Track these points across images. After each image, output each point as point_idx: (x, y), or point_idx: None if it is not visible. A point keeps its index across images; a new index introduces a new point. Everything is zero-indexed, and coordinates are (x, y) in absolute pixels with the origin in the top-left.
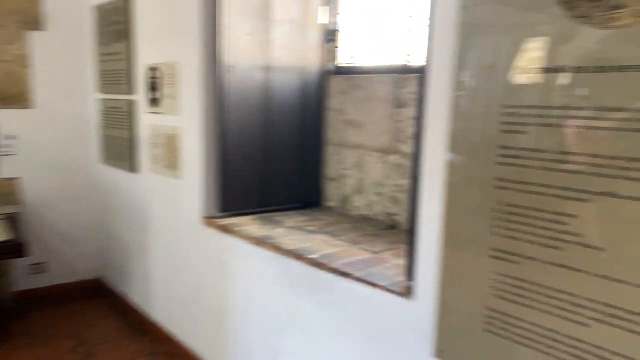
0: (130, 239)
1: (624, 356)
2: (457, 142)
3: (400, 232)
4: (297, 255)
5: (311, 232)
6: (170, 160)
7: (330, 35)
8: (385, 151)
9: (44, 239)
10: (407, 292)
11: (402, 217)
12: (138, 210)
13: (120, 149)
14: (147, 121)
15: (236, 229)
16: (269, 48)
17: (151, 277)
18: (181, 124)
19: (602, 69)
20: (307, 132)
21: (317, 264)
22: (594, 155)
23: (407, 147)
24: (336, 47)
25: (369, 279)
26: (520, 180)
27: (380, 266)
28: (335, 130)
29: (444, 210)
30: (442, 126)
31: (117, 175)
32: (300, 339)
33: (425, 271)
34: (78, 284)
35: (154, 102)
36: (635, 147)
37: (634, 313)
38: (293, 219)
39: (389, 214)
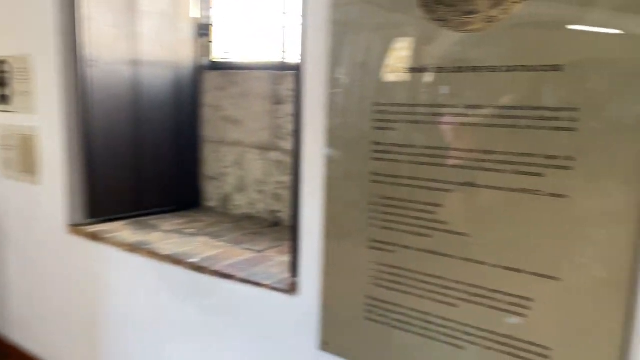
0: None
1: (486, 330)
2: (334, 138)
3: (284, 229)
4: (176, 260)
5: (190, 234)
6: (26, 164)
7: (203, 30)
8: (266, 148)
9: None
10: (291, 288)
11: (285, 214)
12: None
13: None
14: None
15: (107, 236)
16: (137, 42)
17: (7, 295)
18: (38, 123)
19: (459, 70)
20: (182, 130)
21: (198, 268)
22: (456, 149)
23: (287, 144)
24: (210, 41)
25: (253, 278)
26: (393, 174)
27: (264, 265)
28: (212, 127)
29: (325, 204)
30: (320, 123)
31: None
32: (185, 346)
33: (309, 266)
34: None
35: (3, 99)
36: (489, 141)
37: (491, 290)
38: (170, 222)
39: (272, 212)
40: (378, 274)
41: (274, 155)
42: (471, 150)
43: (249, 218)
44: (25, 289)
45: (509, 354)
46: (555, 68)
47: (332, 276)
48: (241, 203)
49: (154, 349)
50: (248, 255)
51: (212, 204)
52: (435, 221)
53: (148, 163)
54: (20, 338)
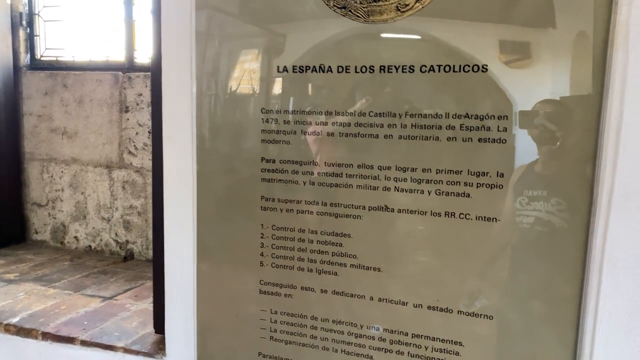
0: None
1: None
2: (206, 152)
3: (139, 263)
4: None
5: (11, 281)
6: None
7: (24, 20)
8: (111, 166)
9: None
10: (157, 349)
11: (139, 246)
12: None
13: None
14: None
15: None
16: None
17: None
18: None
19: (365, 70)
20: None
21: (21, 331)
22: (364, 166)
23: (139, 160)
24: (36, 35)
25: (102, 340)
26: (287, 199)
27: (116, 317)
28: (38, 141)
29: (198, 237)
30: (187, 134)
31: None
32: None
33: (179, 319)
34: None
35: None
36: (404, 156)
37: (414, 335)
38: None
39: (122, 243)
40: (272, 324)
41: (121, 174)
42: (383, 168)
43: (91, 253)
44: None
45: None
46: (484, 68)
47: (212, 331)
48: (81, 235)
49: None
50: (94, 304)
51: (41, 237)
52: (342, 255)
53: None
54: None
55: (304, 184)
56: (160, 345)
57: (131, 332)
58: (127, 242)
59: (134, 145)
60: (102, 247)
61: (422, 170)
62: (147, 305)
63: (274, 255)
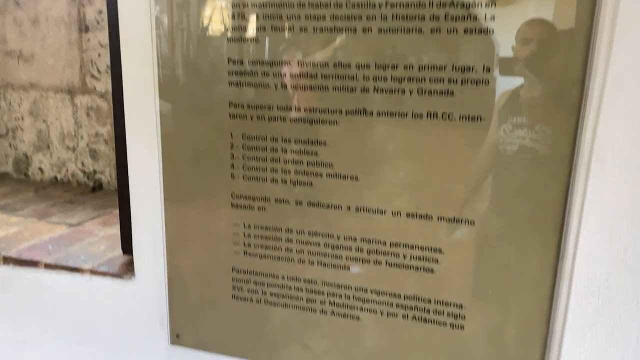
0: None
1: (387, 294)
2: (167, 59)
3: (107, 194)
4: None
5: None
6: None
7: None
8: (73, 91)
9: None
10: (125, 270)
11: (107, 175)
12: None
13: None
14: None
15: None
16: None
17: None
18: None
19: None
20: None
21: None
22: (341, 65)
23: (103, 85)
24: None
25: (67, 262)
26: (259, 104)
27: (83, 242)
28: None
29: (163, 154)
30: (146, 59)
31: None
32: None
33: (147, 239)
34: None
35: None
36: (382, 52)
37: (392, 244)
38: None
39: (89, 173)
40: (245, 239)
41: (85, 100)
42: (361, 66)
43: (58, 184)
44: None
45: (415, 318)
46: None
47: (181, 249)
48: (45, 165)
49: None
50: (60, 231)
51: (3, 169)
52: (318, 164)
53: None
54: None
55: (276, 87)
56: (129, 267)
57: (99, 255)
58: (95, 171)
59: (97, 69)
60: (69, 178)
61: (404, 67)
62: (116, 231)
63: (246, 167)
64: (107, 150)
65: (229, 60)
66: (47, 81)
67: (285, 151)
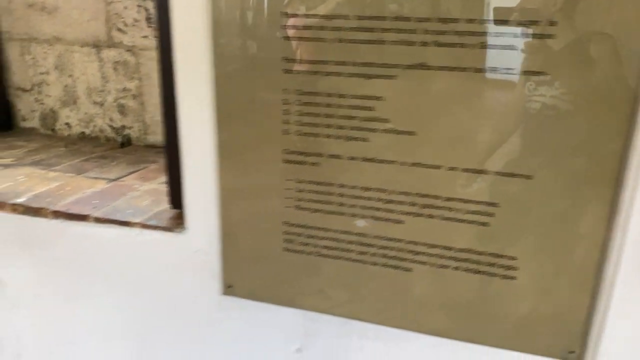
0: None
1: (440, 246)
2: (220, 10)
3: (138, 149)
4: None
5: (8, 165)
6: None
7: None
8: (99, 45)
9: None
10: (175, 224)
11: (136, 131)
12: None
13: None
14: None
15: None
16: None
17: None
18: None
19: None
20: None
21: (29, 211)
22: (402, 19)
23: (130, 38)
24: None
25: (116, 216)
26: (315, 59)
27: (126, 197)
28: (15, 19)
29: (218, 114)
30: (199, 10)
31: None
32: (15, 317)
33: (198, 194)
34: None
35: None
36: (450, 5)
37: (447, 199)
38: None
39: (117, 129)
40: (298, 194)
41: (112, 54)
42: (422, 19)
43: (86, 139)
44: None
45: (467, 270)
46: None
47: (234, 203)
48: (73, 120)
49: None
50: (99, 186)
51: (29, 124)
52: (373, 119)
53: None
54: None
55: (331, 41)
56: (178, 220)
57: (145, 209)
58: (124, 127)
59: (123, 22)
60: (97, 134)
61: (466, 21)
62: (156, 185)
63: (299, 123)
64: (135, 106)
65: (283, 13)
66: (72, 34)
67: (340, 106)
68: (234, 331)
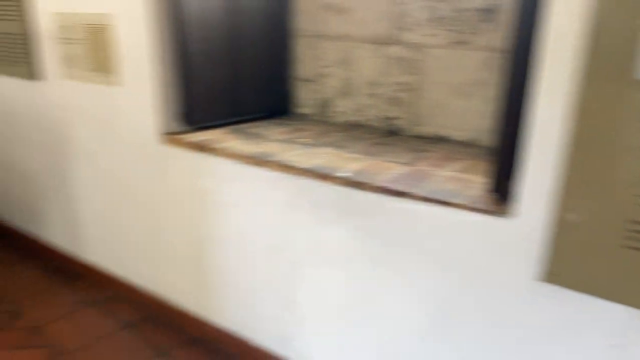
0: (41, 168)
1: None
2: None
3: (405, 139)
4: (321, 175)
5: (308, 145)
6: (99, 61)
7: None
8: (382, 42)
9: None
10: (500, 209)
11: (404, 122)
12: (48, 130)
13: (9, 48)
14: (49, 7)
15: (216, 146)
16: None
17: (80, 213)
18: (113, 9)
19: None
20: (274, 23)
21: (354, 184)
22: None
23: (412, 36)
24: None
25: (436, 196)
26: None
27: (431, 180)
28: (309, 18)
29: (578, 101)
30: (574, 19)
31: (9, 85)
32: (329, 271)
33: (536, 184)
34: None
35: None
36: None
37: None
38: (271, 130)
39: (388, 119)
40: None
41: (393, 50)
42: None
43: (355, 126)
44: (100, 205)
45: None
46: None
47: (575, 196)
48: (345, 109)
49: (289, 274)
50: (399, 169)
51: (306, 110)
52: None
53: (241, 61)
54: (97, 258)
55: None
56: (501, 206)
57: (458, 193)
58: (394, 117)
59: (409, 21)
60: (366, 122)
61: None
62: (452, 173)
63: None
64: (409, 98)
65: None
66: (358, 32)
67: None
68: (549, 317)
